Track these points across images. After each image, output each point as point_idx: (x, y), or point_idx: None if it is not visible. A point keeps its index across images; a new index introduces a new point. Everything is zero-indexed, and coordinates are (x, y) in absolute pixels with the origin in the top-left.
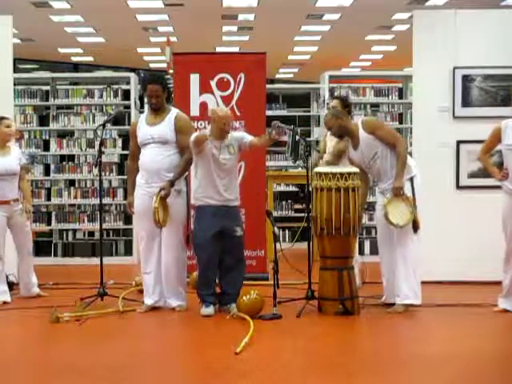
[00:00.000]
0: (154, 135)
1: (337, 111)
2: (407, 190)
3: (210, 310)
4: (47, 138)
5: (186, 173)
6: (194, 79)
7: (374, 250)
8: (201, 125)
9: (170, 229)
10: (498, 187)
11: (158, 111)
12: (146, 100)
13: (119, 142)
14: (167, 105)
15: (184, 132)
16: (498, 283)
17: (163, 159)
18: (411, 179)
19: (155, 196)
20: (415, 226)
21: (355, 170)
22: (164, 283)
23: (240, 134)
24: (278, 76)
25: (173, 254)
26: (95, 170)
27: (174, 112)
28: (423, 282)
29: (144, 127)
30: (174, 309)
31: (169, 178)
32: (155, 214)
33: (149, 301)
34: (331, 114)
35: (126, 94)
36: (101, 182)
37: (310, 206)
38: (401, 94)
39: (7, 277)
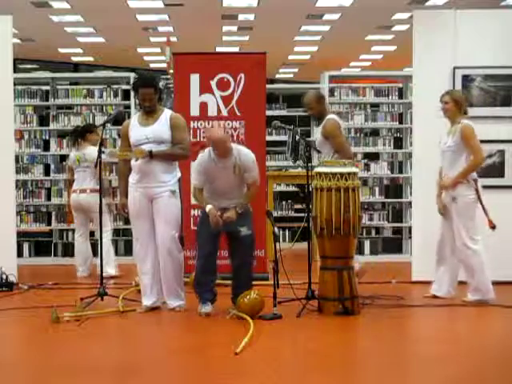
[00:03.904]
0: (149, 135)
1: (320, 94)
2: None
3: (207, 308)
4: (47, 137)
5: (176, 163)
6: (194, 79)
7: (374, 250)
8: (201, 125)
9: (164, 229)
10: (498, 187)
11: (151, 113)
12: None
13: (119, 142)
14: (158, 105)
15: (179, 128)
16: (498, 283)
17: (158, 159)
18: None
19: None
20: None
21: (355, 169)
22: (162, 284)
23: (249, 166)
24: (278, 76)
25: (169, 254)
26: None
27: (167, 111)
28: (423, 282)
29: (137, 128)
30: (174, 309)
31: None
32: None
33: (147, 302)
34: (315, 95)
35: (126, 94)
36: (101, 181)
37: (310, 206)
38: (401, 93)
39: (7, 277)
